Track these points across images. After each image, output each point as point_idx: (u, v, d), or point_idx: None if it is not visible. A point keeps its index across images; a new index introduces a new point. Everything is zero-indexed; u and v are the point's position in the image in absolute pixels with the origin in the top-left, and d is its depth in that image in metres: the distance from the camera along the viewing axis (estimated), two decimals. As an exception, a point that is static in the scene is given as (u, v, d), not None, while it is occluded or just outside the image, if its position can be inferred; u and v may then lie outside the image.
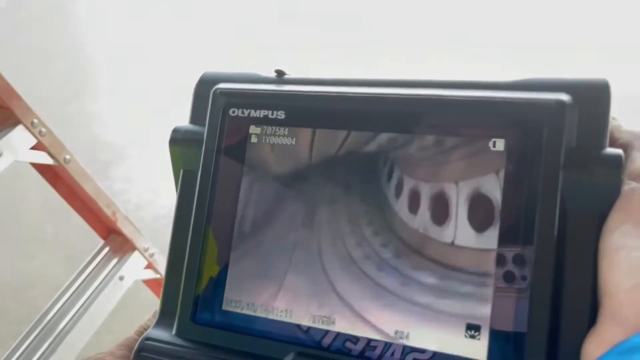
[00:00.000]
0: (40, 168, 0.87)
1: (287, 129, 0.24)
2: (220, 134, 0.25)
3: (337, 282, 0.23)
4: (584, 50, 1.79)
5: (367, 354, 0.22)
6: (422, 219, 0.22)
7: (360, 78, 0.25)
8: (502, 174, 0.21)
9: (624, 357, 0.17)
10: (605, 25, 1.92)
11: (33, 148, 0.82)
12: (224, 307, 0.24)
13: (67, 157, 0.85)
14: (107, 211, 0.92)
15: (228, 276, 0.24)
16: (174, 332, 0.24)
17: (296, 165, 0.24)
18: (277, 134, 0.25)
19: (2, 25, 2.52)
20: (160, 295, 0.26)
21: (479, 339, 0.21)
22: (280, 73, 0.26)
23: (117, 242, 0.96)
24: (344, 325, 0.22)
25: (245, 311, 0.24)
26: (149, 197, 1.58)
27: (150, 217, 1.50)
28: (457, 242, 0.22)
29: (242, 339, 0.23)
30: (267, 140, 0.25)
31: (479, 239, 0.21)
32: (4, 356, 0.82)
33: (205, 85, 0.26)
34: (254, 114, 0.25)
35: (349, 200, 0.23)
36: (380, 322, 0.22)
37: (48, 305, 0.88)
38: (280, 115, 0.25)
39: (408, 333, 0.22)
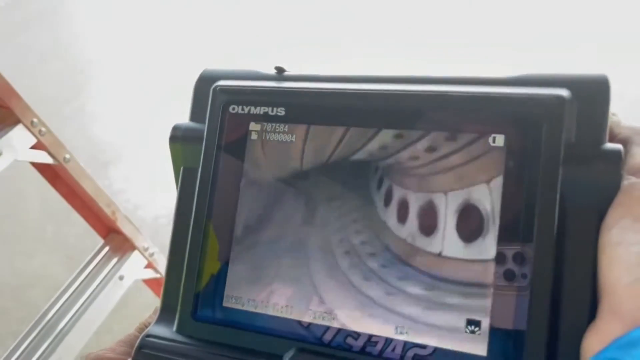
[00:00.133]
0: (40, 167, 0.87)
1: (287, 126, 0.24)
2: (221, 131, 0.25)
3: (321, 288, 0.23)
4: (587, 50, 1.79)
5: (368, 349, 0.22)
6: (410, 229, 0.22)
7: (360, 75, 0.25)
8: (494, 182, 0.21)
9: (624, 351, 0.17)
10: (607, 24, 1.92)
11: (33, 147, 0.82)
12: (225, 304, 0.24)
13: (67, 156, 0.85)
14: (107, 210, 0.92)
15: (228, 273, 0.24)
16: (174, 328, 0.24)
17: (295, 162, 0.24)
18: (277, 130, 0.25)
19: (1, 24, 2.52)
20: (161, 292, 0.26)
21: (479, 334, 0.21)
22: (280, 70, 0.26)
23: (117, 241, 0.96)
24: (345, 321, 0.22)
25: (246, 308, 0.24)
26: (148, 196, 1.58)
27: (149, 217, 1.50)
28: (445, 253, 0.22)
29: (243, 336, 0.23)
30: (267, 137, 0.25)
31: (468, 250, 0.22)
32: (4, 356, 0.82)
33: (205, 82, 0.27)
34: (254, 110, 0.25)
35: (341, 205, 0.23)
36: (380, 318, 0.22)
37: (48, 304, 0.88)
38: (280, 112, 0.25)
39: (409, 329, 0.22)
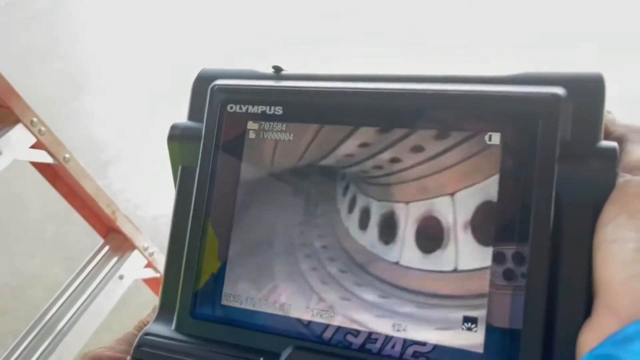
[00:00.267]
0: (40, 167, 0.87)
1: (284, 125, 0.25)
2: (219, 129, 0.25)
3: (282, 289, 0.23)
4: (586, 49, 1.79)
5: (368, 346, 0.22)
6: (370, 237, 0.23)
7: (357, 74, 0.25)
8: (460, 193, 0.22)
9: (619, 346, 0.17)
10: (607, 22, 1.92)
11: (32, 147, 0.82)
12: (223, 302, 0.24)
13: (67, 156, 0.85)
14: (107, 210, 0.92)
15: (227, 271, 0.24)
16: (173, 327, 0.25)
17: (293, 161, 0.24)
18: (274, 129, 0.25)
19: (1, 24, 2.52)
20: (160, 291, 0.26)
21: (475, 331, 0.21)
22: (277, 69, 0.26)
23: (117, 241, 0.96)
24: (344, 318, 0.23)
25: (244, 306, 0.24)
26: (148, 196, 1.58)
27: (149, 216, 1.50)
28: (402, 262, 0.22)
29: (241, 333, 0.24)
30: (265, 136, 0.25)
31: (425, 261, 0.22)
32: (4, 355, 0.82)
33: (203, 81, 0.27)
34: (252, 109, 0.25)
35: (311, 209, 0.24)
36: (377, 315, 0.22)
37: (48, 304, 0.88)
38: (278, 111, 0.25)
39: (406, 326, 0.22)
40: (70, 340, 0.86)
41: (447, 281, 0.21)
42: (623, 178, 0.20)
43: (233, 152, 0.25)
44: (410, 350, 0.21)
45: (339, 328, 0.22)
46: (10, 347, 0.83)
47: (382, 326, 0.22)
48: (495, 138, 0.21)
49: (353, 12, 2.31)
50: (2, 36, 2.42)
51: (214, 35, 2.27)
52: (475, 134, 0.22)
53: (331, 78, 0.25)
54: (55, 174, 0.88)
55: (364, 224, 0.23)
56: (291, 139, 0.24)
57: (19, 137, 0.81)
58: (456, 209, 0.22)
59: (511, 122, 0.21)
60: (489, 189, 0.21)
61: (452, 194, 0.22)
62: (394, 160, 0.23)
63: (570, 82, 0.21)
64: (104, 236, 0.96)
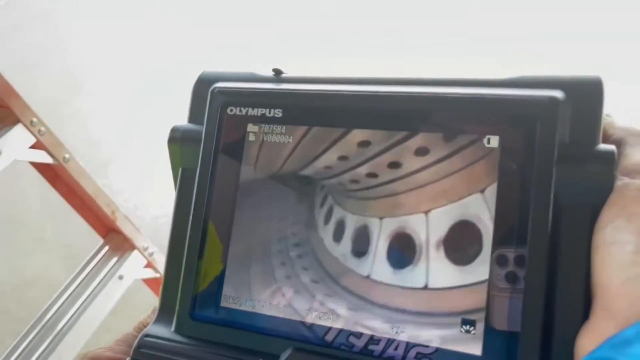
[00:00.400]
0: (40, 167, 0.87)
1: (284, 127, 0.25)
2: (219, 132, 0.25)
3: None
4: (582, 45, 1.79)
5: (370, 348, 0.22)
6: (343, 249, 0.23)
7: (356, 76, 0.25)
8: (432, 213, 0.22)
9: (617, 350, 0.17)
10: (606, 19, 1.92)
11: (32, 147, 0.82)
12: (223, 304, 0.24)
13: (67, 156, 0.85)
14: (107, 210, 0.92)
15: (226, 273, 0.25)
16: (173, 328, 0.25)
17: (292, 164, 0.24)
18: (274, 132, 0.25)
19: (1, 24, 2.52)
20: (160, 292, 0.26)
21: (474, 334, 0.21)
22: (277, 72, 0.26)
23: (117, 241, 0.97)
24: (345, 321, 0.23)
25: (244, 308, 0.24)
26: (148, 195, 1.58)
27: (149, 216, 1.50)
28: (373, 276, 0.22)
29: (241, 335, 0.24)
30: (265, 139, 0.25)
31: (395, 276, 0.22)
32: (4, 355, 0.82)
33: (203, 84, 0.27)
34: (252, 112, 0.25)
35: (295, 215, 0.24)
36: (378, 317, 0.22)
37: (47, 304, 0.88)
38: (278, 113, 0.25)
39: (404, 328, 0.22)
40: (70, 340, 0.86)
41: (417, 298, 0.22)
42: (621, 181, 0.20)
43: (233, 154, 0.25)
44: (412, 353, 0.21)
45: (340, 330, 0.23)
46: (10, 347, 0.84)
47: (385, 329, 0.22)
48: (494, 141, 0.22)
49: (352, 11, 2.31)
50: (2, 36, 2.42)
51: (213, 35, 2.27)
52: (459, 149, 0.22)
53: (331, 81, 0.25)
54: (55, 174, 0.88)
55: (338, 236, 0.23)
56: (291, 141, 0.24)
57: (19, 137, 0.81)
58: (429, 227, 0.22)
59: (510, 125, 0.21)
60: (464, 208, 0.22)
61: (426, 212, 0.22)
62: (370, 175, 0.23)
63: (569, 85, 0.21)
64: (104, 236, 0.97)
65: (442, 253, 0.22)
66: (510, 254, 0.21)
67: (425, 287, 0.22)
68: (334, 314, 0.23)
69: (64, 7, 2.64)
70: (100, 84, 2.14)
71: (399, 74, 0.24)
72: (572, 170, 0.20)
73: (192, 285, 0.25)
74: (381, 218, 0.23)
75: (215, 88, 0.26)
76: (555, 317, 0.20)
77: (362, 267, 0.23)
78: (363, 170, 0.23)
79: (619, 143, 0.21)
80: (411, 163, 0.22)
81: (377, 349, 0.22)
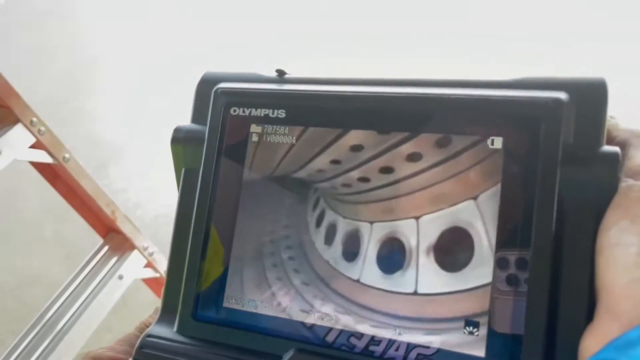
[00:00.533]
0: (40, 167, 0.87)
1: (287, 128, 0.25)
2: (222, 132, 0.25)
3: (258, 295, 0.24)
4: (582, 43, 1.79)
5: (371, 349, 0.22)
6: (334, 252, 0.23)
7: (359, 77, 0.25)
8: (423, 219, 0.22)
9: (621, 351, 0.17)
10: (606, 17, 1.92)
11: (32, 147, 0.82)
12: (225, 304, 0.24)
13: (67, 155, 0.85)
14: (107, 210, 0.92)
15: (229, 274, 0.25)
16: (175, 329, 0.25)
17: (295, 165, 0.24)
18: (277, 132, 0.25)
19: (1, 24, 2.51)
20: (162, 293, 0.26)
21: (477, 335, 0.21)
22: (281, 73, 0.26)
23: (117, 240, 0.96)
24: (346, 322, 0.23)
25: (246, 308, 0.24)
26: (148, 195, 1.58)
27: (149, 216, 1.50)
28: (363, 280, 0.22)
29: (243, 336, 0.24)
30: (268, 139, 0.25)
31: (385, 281, 0.22)
32: (4, 355, 0.82)
33: (206, 84, 0.27)
34: (255, 113, 0.25)
35: (290, 217, 0.24)
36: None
37: (47, 304, 0.88)
38: (281, 114, 0.25)
39: (408, 328, 0.22)
40: (70, 340, 0.86)
41: (406, 303, 0.22)
42: (625, 183, 0.20)
43: (236, 154, 0.25)
44: (413, 354, 0.21)
45: (342, 331, 0.23)
46: (10, 347, 0.83)
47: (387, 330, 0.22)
48: (498, 142, 0.21)
49: (352, 11, 2.31)
50: (2, 36, 2.42)
51: (212, 35, 2.27)
52: (458, 153, 0.22)
53: (334, 82, 0.25)
54: (55, 174, 0.88)
55: (329, 239, 0.23)
56: (294, 142, 0.24)
57: (19, 137, 0.81)
58: (420, 233, 0.22)
59: (514, 126, 0.21)
60: (456, 215, 0.22)
61: (417, 218, 0.22)
62: (362, 179, 0.23)
63: (573, 86, 0.21)
64: (104, 236, 0.96)
65: (432, 259, 0.22)
66: (511, 256, 0.21)
67: (415, 293, 0.22)
68: (333, 316, 0.23)
69: (64, 7, 2.64)
70: (101, 83, 2.14)
71: (403, 75, 0.24)
72: (576, 172, 0.20)
73: (195, 286, 0.25)
74: (372, 222, 0.23)
75: (218, 88, 0.26)
76: (559, 319, 0.20)
77: (352, 270, 0.23)
78: (355, 174, 0.23)
79: (623, 145, 0.21)
80: (403, 168, 0.23)
81: (378, 349, 0.22)
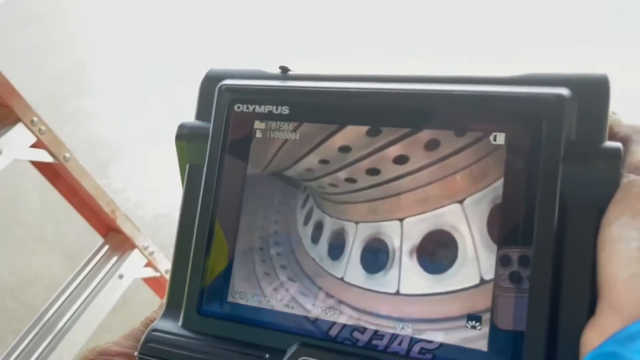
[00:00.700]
0: (40, 166, 0.87)
1: (291, 124, 0.25)
2: (226, 129, 0.25)
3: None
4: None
5: (374, 343, 0.22)
6: (320, 250, 0.23)
7: (363, 74, 0.25)
8: (410, 219, 0.22)
9: (622, 345, 0.17)
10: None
11: (33, 146, 0.82)
12: (229, 299, 0.24)
13: (67, 155, 0.85)
14: (107, 209, 0.92)
15: (233, 269, 0.25)
16: (180, 323, 0.25)
17: (299, 159, 0.25)
18: (281, 129, 0.25)
19: (1, 23, 2.51)
20: (167, 287, 0.26)
21: (480, 329, 0.21)
22: (284, 69, 0.27)
23: (117, 240, 0.96)
24: (350, 316, 0.23)
25: (250, 303, 0.24)
26: (148, 195, 1.58)
27: (149, 216, 1.50)
28: (346, 279, 0.23)
29: (248, 330, 0.24)
30: (272, 135, 0.25)
31: (368, 280, 0.22)
32: (4, 354, 0.82)
33: (210, 81, 0.27)
34: (259, 109, 0.25)
35: (283, 213, 0.25)
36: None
37: (48, 303, 0.88)
38: (285, 110, 0.25)
39: (410, 323, 0.22)
40: (70, 339, 0.86)
41: (387, 302, 0.22)
42: (627, 178, 0.20)
43: (240, 151, 0.25)
44: (417, 348, 0.22)
45: (345, 325, 0.23)
46: (10, 346, 0.83)
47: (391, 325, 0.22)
48: (500, 138, 0.22)
49: (352, 11, 2.31)
50: (2, 36, 2.42)
51: (213, 34, 2.27)
52: (438, 160, 0.22)
53: (337, 78, 0.25)
54: (56, 173, 0.88)
55: (316, 237, 0.24)
56: (297, 138, 0.25)
57: (19, 136, 0.81)
58: (403, 234, 0.22)
59: (516, 122, 0.21)
60: (441, 217, 0.22)
61: (401, 220, 0.22)
62: (349, 180, 0.23)
63: (575, 83, 0.21)
64: (104, 235, 0.97)
65: (415, 261, 0.22)
66: (513, 253, 0.21)
67: (397, 293, 0.22)
68: (339, 310, 0.23)
69: (64, 7, 2.64)
70: (100, 83, 2.14)
71: (405, 72, 0.25)
72: (578, 168, 0.21)
73: (199, 281, 0.25)
74: (357, 223, 0.23)
75: (222, 85, 0.26)
76: (561, 313, 0.20)
77: (337, 269, 0.23)
78: (342, 174, 0.24)
79: (625, 140, 0.21)
80: (390, 170, 0.23)
81: (381, 343, 0.22)
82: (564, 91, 0.21)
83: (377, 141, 0.23)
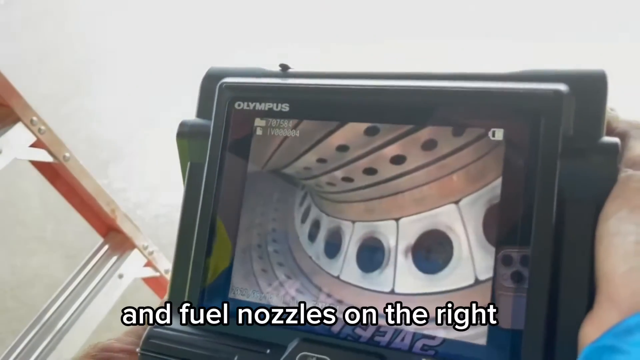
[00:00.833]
0: (40, 166, 0.87)
1: (291, 121, 0.25)
2: (226, 126, 0.26)
3: (253, 282, 0.24)
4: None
5: (377, 339, 0.22)
6: (317, 248, 0.24)
7: (362, 71, 0.25)
8: (402, 221, 0.22)
9: (619, 338, 0.17)
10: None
11: (32, 146, 0.82)
12: (230, 295, 0.25)
13: (67, 154, 0.85)
14: (107, 209, 0.92)
15: (234, 265, 0.25)
16: (181, 319, 0.25)
17: (297, 158, 0.25)
18: (281, 126, 0.25)
19: (1, 23, 2.51)
20: (169, 284, 0.26)
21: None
22: (284, 67, 0.27)
23: (117, 240, 0.97)
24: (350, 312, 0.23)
25: (251, 299, 0.24)
26: (148, 195, 1.58)
27: (149, 216, 1.50)
28: (342, 277, 0.23)
29: (249, 326, 0.24)
30: (272, 133, 0.25)
31: (364, 279, 0.23)
32: (4, 354, 0.82)
33: (211, 79, 0.27)
34: (259, 107, 0.25)
35: (282, 208, 0.25)
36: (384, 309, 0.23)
37: (47, 303, 0.88)
38: (285, 107, 0.25)
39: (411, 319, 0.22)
40: (70, 339, 0.86)
41: (383, 301, 0.22)
42: (625, 173, 0.20)
43: (241, 148, 0.25)
44: (419, 344, 0.22)
45: (342, 321, 0.23)
46: (10, 346, 0.84)
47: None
48: (499, 134, 0.22)
49: (352, 11, 2.31)
50: (2, 35, 2.42)
51: (213, 33, 2.27)
52: (435, 161, 0.22)
53: (337, 76, 0.25)
54: (55, 173, 0.88)
55: (313, 235, 0.24)
56: (297, 135, 0.25)
57: (19, 136, 0.81)
58: (399, 234, 0.22)
59: (515, 118, 0.22)
60: (437, 218, 0.22)
61: (396, 219, 0.23)
62: (346, 179, 0.24)
63: (573, 79, 0.22)
64: (104, 235, 0.97)
65: (410, 260, 0.22)
66: (515, 253, 0.21)
67: (392, 292, 0.22)
68: (336, 307, 0.23)
69: (64, 7, 2.64)
70: (100, 83, 2.14)
71: (405, 69, 0.25)
72: (576, 163, 0.21)
73: (201, 277, 0.25)
74: (354, 222, 0.23)
75: (223, 83, 0.26)
76: (560, 308, 0.20)
77: (333, 267, 0.23)
78: (339, 174, 0.24)
79: (623, 136, 0.21)
80: (386, 170, 0.23)
81: (384, 340, 0.22)
82: (562, 87, 0.21)
83: (374, 141, 0.23)
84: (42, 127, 0.82)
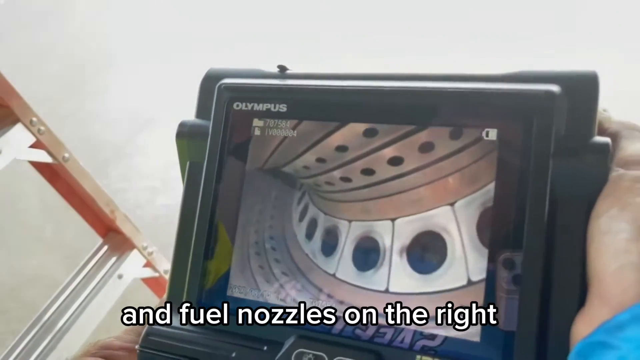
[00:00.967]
0: (39, 166, 0.87)
1: (288, 122, 0.25)
2: (225, 127, 0.26)
3: (251, 280, 0.25)
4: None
5: (377, 339, 0.22)
6: (313, 246, 0.24)
7: (359, 72, 0.26)
8: (398, 222, 0.23)
9: (610, 334, 0.18)
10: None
11: (32, 146, 0.83)
12: (229, 293, 0.25)
13: (66, 155, 0.86)
14: (106, 210, 0.92)
15: (232, 264, 0.25)
16: (180, 317, 0.25)
17: (296, 157, 0.25)
18: (279, 126, 0.25)
19: (1, 23, 2.51)
20: (168, 281, 0.26)
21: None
22: (282, 68, 0.27)
23: (116, 240, 0.97)
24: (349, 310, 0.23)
25: (250, 297, 0.25)
26: (147, 196, 1.58)
27: (148, 216, 1.50)
28: (338, 275, 0.23)
29: (246, 323, 0.24)
30: (270, 133, 0.25)
31: (359, 277, 0.23)
32: (3, 354, 0.82)
33: (210, 80, 0.27)
34: (257, 107, 0.26)
35: (279, 208, 0.25)
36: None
37: (47, 303, 0.88)
38: (282, 108, 0.25)
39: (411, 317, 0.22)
40: (69, 340, 0.86)
41: (377, 300, 0.23)
42: (616, 172, 0.20)
43: (239, 148, 0.26)
44: (420, 343, 0.22)
45: (338, 318, 0.23)
46: (10, 347, 0.84)
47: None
48: (492, 134, 0.22)
49: (351, 11, 2.31)
50: (2, 36, 2.42)
51: (213, 33, 2.28)
52: (433, 162, 0.23)
53: (335, 77, 0.26)
54: (55, 174, 0.88)
55: (310, 233, 0.24)
56: (295, 136, 0.25)
57: (19, 136, 0.81)
58: (395, 234, 0.23)
59: (508, 118, 0.22)
60: (432, 219, 0.22)
61: (392, 220, 0.23)
62: (344, 179, 0.24)
63: (566, 79, 0.22)
64: (103, 236, 0.97)
65: (404, 260, 0.22)
66: (504, 255, 0.21)
67: (386, 291, 0.23)
68: (332, 304, 0.23)
69: (64, 7, 2.64)
70: (100, 83, 2.14)
71: (401, 70, 0.25)
72: (568, 162, 0.21)
73: (199, 275, 0.25)
74: (350, 221, 0.24)
75: (222, 84, 0.26)
76: (552, 307, 0.21)
77: (329, 265, 0.24)
78: (338, 173, 0.24)
79: (614, 136, 0.22)
80: (384, 171, 0.23)
81: (384, 340, 0.22)
82: (554, 88, 0.22)
83: (373, 142, 0.24)
84: (42, 128, 0.82)
